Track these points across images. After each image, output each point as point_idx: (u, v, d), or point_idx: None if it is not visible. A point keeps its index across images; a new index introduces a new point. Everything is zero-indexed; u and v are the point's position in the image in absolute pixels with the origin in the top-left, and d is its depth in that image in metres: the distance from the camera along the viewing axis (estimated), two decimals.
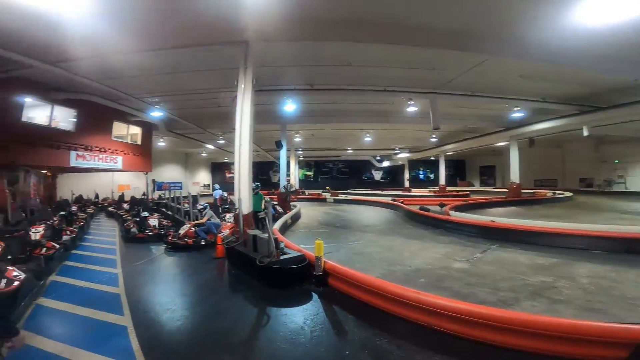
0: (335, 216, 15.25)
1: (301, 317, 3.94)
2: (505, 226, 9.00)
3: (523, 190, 20.27)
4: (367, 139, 23.66)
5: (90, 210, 16.51)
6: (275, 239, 5.34)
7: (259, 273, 5.13)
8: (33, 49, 7.50)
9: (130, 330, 3.58)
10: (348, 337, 3.48)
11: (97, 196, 21.78)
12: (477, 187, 34.50)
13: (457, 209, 13.90)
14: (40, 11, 5.82)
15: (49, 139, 12.24)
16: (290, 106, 12.53)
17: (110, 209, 17.76)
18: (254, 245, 5.84)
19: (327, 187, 31.98)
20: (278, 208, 13.14)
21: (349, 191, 29.96)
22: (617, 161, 24.27)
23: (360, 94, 12.16)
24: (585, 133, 14.83)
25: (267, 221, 5.48)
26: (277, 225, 9.06)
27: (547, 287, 4.91)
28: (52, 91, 11.47)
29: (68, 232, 8.60)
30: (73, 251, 7.82)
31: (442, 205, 14.60)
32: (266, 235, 5.44)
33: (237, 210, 6.92)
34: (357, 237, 9.56)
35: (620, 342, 2.68)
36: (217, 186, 17.68)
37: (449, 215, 11.84)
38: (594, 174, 25.69)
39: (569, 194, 20.91)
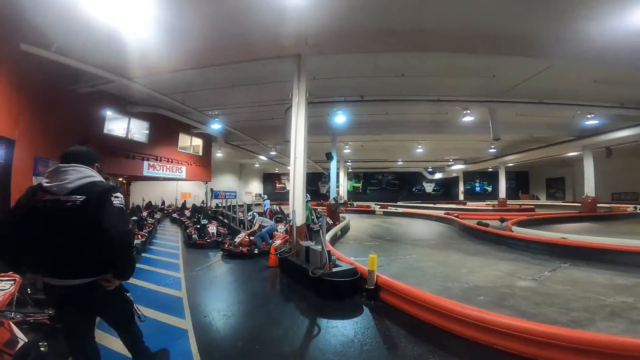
0: (385, 229, 14.92)
1: (352, 330, 3.90)
2: (579, 244, 8.11)
3: (598, 205, 18.14)
4: (419, 150, 22.94)
5: (158, 216, 17.70)
6: (328, 252, 5.36)
7: (311, 284, 5.19)
8: (114, 65, 8.32)
9: (190, 335, 3.73)
10: (400, 352, 3.37)
11: (163, 203, 23.60)
12: (543, 201, 31.53)
13: (521, 224, 12.84)
14: (120, 31, 6.48)
15: (126, 149, 13.44)
16: (340, 118, 12.58)
17: (174, 215, 19.11)
18: (307, 256, 5.93)
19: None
20: (327, 219, 13.19)
21: (399, 203, 29.16)
22: None
23: (413, 105, 11.91)
24: None
25: (321, 234, 5.53)
26: (328, 237, 9.08)
27: (628, 307, 4.41)
28: (128, 105, 12.69)
29: (139, 236, 9.13)
30: (143, 254, 8.37)
31: (502, 220, 13.60)
32: (319, 247, 5.50)
33: (290, 221, 7.06)
34: (409, 251, 9.23)
35: None
36: (265, 196, 17.66)
37: (511, 230, 10.98)
38: None
39: None
